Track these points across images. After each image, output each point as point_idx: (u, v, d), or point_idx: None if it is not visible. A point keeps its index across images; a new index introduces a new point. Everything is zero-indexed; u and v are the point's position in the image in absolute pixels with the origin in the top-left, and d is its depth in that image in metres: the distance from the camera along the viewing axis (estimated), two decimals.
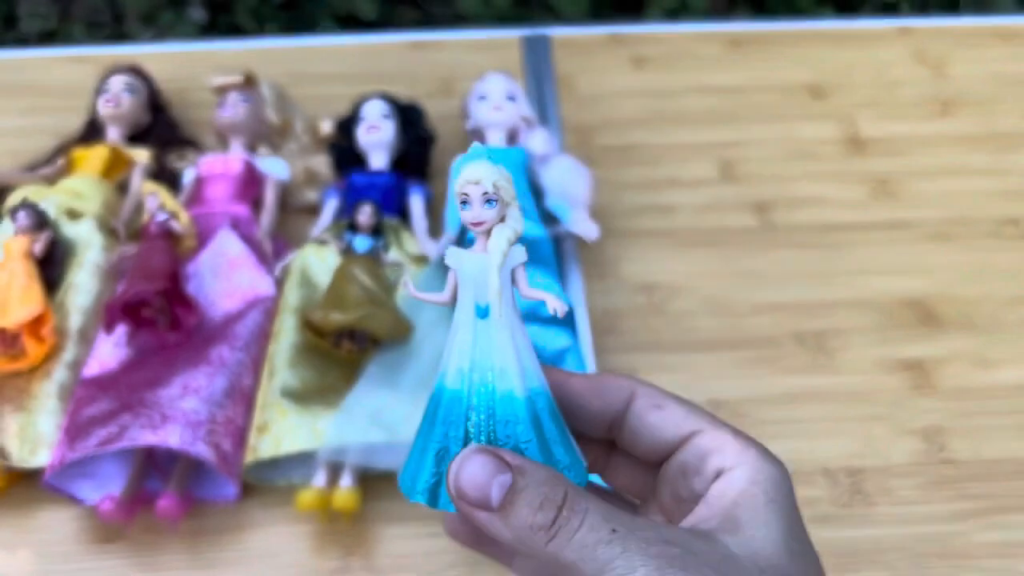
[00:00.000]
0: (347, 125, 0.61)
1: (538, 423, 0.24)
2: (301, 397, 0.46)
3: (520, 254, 0.24)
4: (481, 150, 0.25)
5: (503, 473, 0.22)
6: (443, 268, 0.52)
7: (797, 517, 0.24)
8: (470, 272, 0.24)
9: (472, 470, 0.22)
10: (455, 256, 0.25)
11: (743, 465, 0.24)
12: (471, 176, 0.24)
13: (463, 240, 0.54)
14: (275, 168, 0.60)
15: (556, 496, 0.22)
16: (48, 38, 1.38)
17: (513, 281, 0.24)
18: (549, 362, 0.45)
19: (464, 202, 0.24)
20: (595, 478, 0.25)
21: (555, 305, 0.24)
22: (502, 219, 0.24)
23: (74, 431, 0.44)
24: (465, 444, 0.24)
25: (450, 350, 0.24)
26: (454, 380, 0.24)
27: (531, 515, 0.22)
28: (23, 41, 1.38)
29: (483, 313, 0.24)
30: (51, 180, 0.59)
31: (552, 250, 0.54)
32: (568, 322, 0.49)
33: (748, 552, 0.22)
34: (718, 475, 0.24)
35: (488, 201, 0.24)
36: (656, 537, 0.21)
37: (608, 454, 0.27)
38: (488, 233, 0.24)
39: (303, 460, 0.45)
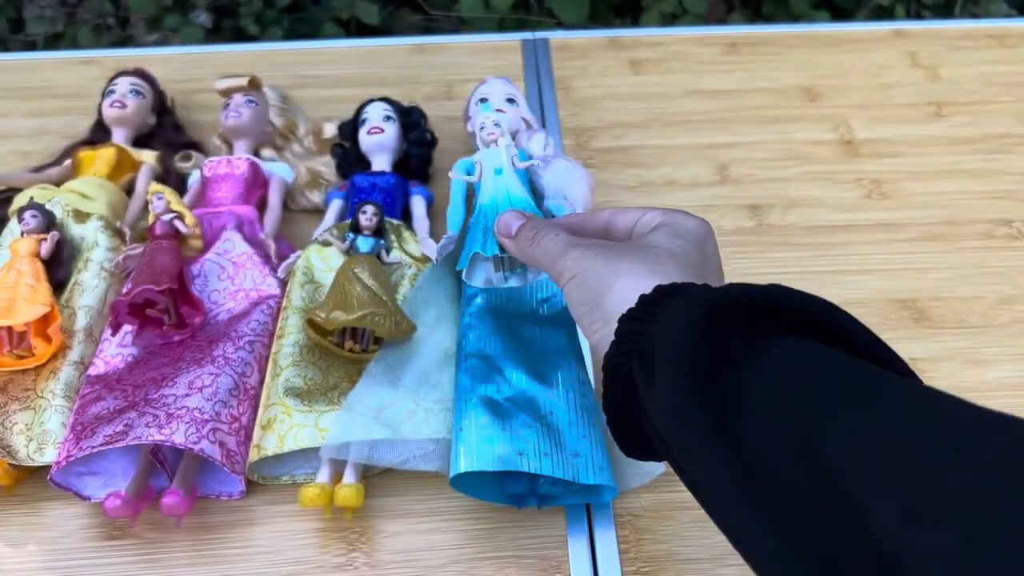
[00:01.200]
0: (350, 128, 0.61)
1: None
2: (305, 395, 0.46)
3: (514, 148, 0.49)
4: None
5: (519, 219, 0.41)
6: (444, 269, 0.53)
7: (699, 247, 0.35)
8: (489, 158, 0.48)
9: (505, 218, 0.41)
10: (481, 155, 0.49)
11: (665, 216, 0.37)
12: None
13: (464, 243, 0.55)
14: (279, 170, 0.61)
15: (539, 226, 0.39)
16: (54, 41, 1.39)
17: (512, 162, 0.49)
18: (548, 361, 0.47)
19: (483, 100, 0.42)
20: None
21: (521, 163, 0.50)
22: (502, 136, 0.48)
23: (80, 429, 0.44)
24: None
25: (482, 194, 0.47)
26: (487, 201, 0.46)
27: (525, 234, 0.40)
28: (30, 44, 1.39)
29: (499, 172, 0.47)
30: (58, 181, 0.60)
31: None
32: (566, 322, 0.49)
33: (643, 243, 0.35)
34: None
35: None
36: (585, 243, 0.36)
37: None
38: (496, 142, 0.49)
39: (307, 457, 0.46)
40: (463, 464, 0.41)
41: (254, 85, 0.62)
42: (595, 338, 0.33)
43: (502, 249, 0.44)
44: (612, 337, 0.31)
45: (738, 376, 0.27)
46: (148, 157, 0.62)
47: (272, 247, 0.55)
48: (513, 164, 0.47)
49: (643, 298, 0.31)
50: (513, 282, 0.48)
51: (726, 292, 0.29)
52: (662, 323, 0.29)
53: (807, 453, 0.23)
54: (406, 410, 0.45)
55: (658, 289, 0.31)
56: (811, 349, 0.27)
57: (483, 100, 0.60)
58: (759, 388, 0.26)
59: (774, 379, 0.26)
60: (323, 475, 0.45)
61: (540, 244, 0.38)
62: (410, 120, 0.61)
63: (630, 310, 0.31)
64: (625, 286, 0.32)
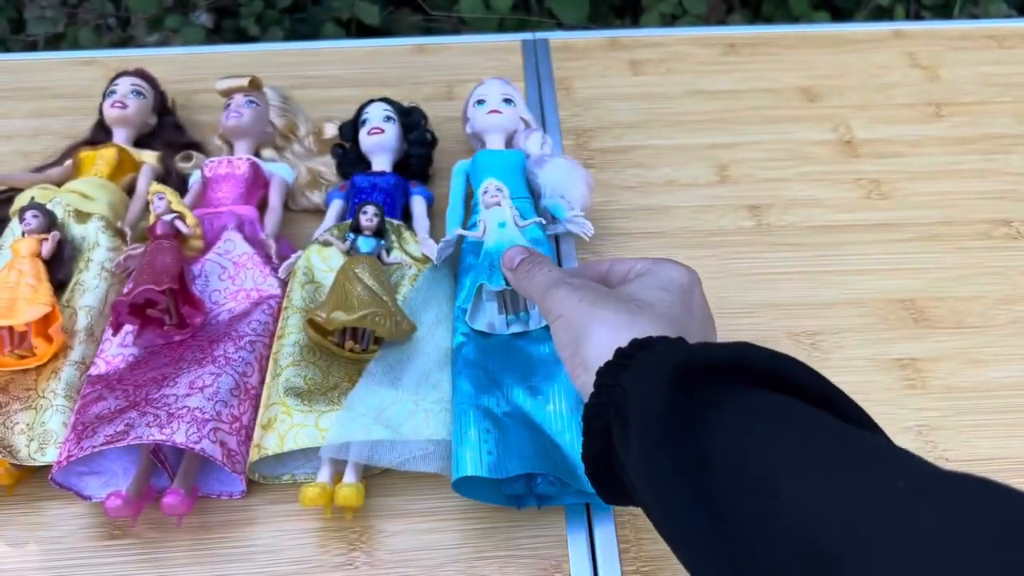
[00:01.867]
0: (350, 128, 0.62)
1: None
2: (305, 395, 0.46)
3: (515, 210, 0.52)
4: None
5: (522, 254, 0.43)
6: (443, 270, 0.53)
7: (681, 298, 0.36)
8: (493, 215, 0.51)
9: (510, 252, 0.43)
10: (485, 214, 0.52)
11: (652, 265, 0.38)
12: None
13: (463, 244, 0.55)
14: (280, 170, 0.61)
15: (536, 260, 0.42)
16: (55, 41, 1.39)
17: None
18: (542, 372, 0.47)
19: (480, 101, 0.54)
20: None
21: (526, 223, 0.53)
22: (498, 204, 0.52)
23: (81, 429, 0.45)
24: None
25: (487, 241, 0.50)
26: (492, 246, 0.50)
27: (523, 267, 0.42)
28: (31, 45, 1.39)
29: (503, 225, 0.51)
30: (59, 181, 0.60)
31: (550, 251, 0.54)
32: None
33: (625, 293, 0.36)
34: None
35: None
36: (576, 282, 0.38)
37: None
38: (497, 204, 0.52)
39: (307, 457, 0.46)
40: (470, 468, 0.41)
41: (255, 85, 0.62)
42: (578, 383, 0.35)
43: (507, 283, 0.45)
44: (591, 388, 0.32)
45: (706, 434, 0.28)
46: (149, 157, 0.62)
47: (273, 247, 0.55)
48: (516, 224, 0.51)
49: (619, 351, 0.32)
50: (516, 328, 0.48)
51: (696, 351, 0.30)
52: (635, 378, 0.30)
53: (775, 510, 0.25)
54: (406, 410, 0.45)
55: (633, 343, 0.32)
56: (775, 405, 0.28)
57: (480, 101, 0.60)
58: (727, 447, 0.27)
59: (740, 436, 0.27)
60: (323, 475, 0.45)
61: (533, 278, 0.40)
62: (410, 120, 0.61)
63: (607, 363, 0.32)
64: (604, 335, 0.33)
